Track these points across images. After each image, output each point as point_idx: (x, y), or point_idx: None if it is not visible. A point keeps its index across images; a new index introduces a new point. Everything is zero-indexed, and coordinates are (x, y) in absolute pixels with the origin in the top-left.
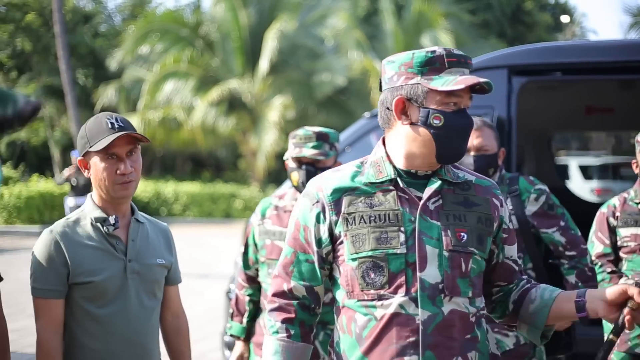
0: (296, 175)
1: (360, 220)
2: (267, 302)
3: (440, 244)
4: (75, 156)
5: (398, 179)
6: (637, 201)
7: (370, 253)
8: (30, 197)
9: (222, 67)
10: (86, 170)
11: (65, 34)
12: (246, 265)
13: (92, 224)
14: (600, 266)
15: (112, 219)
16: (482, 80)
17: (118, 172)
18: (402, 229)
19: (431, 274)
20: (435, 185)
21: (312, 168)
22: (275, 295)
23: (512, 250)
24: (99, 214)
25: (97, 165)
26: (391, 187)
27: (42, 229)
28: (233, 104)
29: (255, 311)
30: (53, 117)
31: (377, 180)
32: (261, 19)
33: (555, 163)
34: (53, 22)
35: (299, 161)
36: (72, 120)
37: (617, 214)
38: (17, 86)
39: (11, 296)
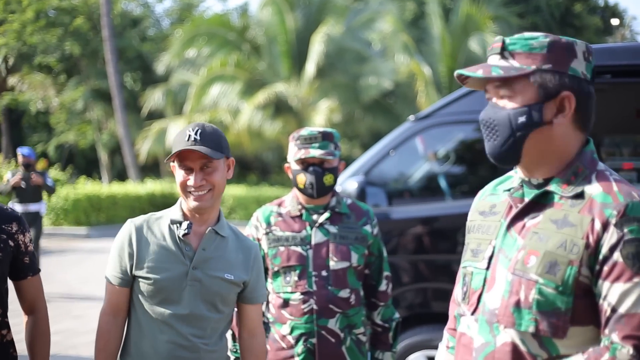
0: (303, 178)
1: (473, 229)
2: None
3: (508, 264)
4: (22, 153)
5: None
6: None
7: (465, 264)
8: (77, 200)
9: (269, 71)
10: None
11: (113, 38)
12: None
13: (169, 225)
14: None
15: (184, 224)
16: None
17: (188, 183)
18: (493, 242)
19: (494, 297)
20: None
21: (319, 169)
22: None
23: (612, 290)
24: (177, 217)
25: (176, 173)
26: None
27: (89, 231)
28: (279, 108)
29: (265, 329)
30: (101, 120)
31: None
32: (308, 23)
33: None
34: (101, 26)
35: (305, 163)
36: (119, 123)
37: None
38: (66, 89)
39: (57, 298)
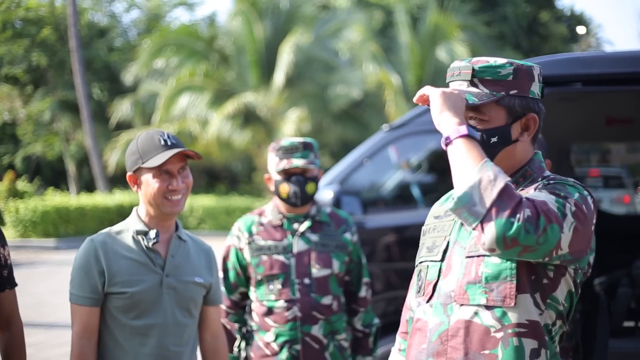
0: (286, 187)
1: (428, 231)
2: None
3: (464, 252)
4: None
5: None
6: None
7: (420, 260)
8: (45, 211)
9: (238, 81)
10: (135, 186)
11: (80, 49)
12: (230, 290)
13: (133, 236)
14: None
15: (152, 233)
16: None
17: (170, 187)
18: (447, 237)
19: (450, 281)
20: None
21: (302, 178)
22: None
23: None
24: (141, 227)
25: (149, 181)
26: None
27: (58, 243)
28: (248, 118)
29: (247, 336)
30: (68, 131)
31: None
32: (276, 32)
33: (575, 174)
34: (68, 36)
35: (288, 172)
36: (87, 134)
37: None
38: (33, 100)
39: (27, 310)
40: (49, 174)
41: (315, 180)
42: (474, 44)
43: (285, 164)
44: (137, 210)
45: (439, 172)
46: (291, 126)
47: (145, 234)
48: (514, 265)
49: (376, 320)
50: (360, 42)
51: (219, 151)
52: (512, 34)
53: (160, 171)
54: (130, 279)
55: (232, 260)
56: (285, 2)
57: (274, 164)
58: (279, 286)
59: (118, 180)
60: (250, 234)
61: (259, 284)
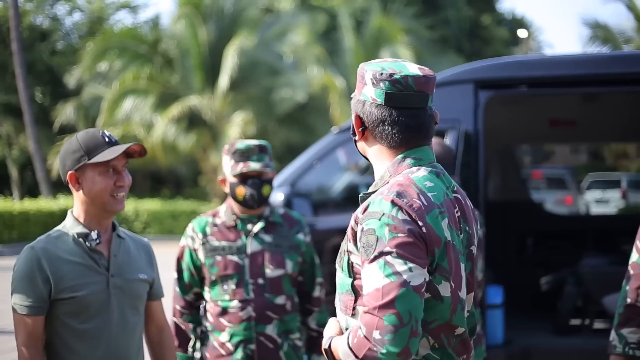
0: (243, 190)
1: None
2: None
3: None
4: None
5: None
6: None
7: None
8: None
9: (182, 84)
10: (76, 185)
11: (22, 52)
12: (184, 290)
13: (74, 239)
14: (627, 278)
15: (94, 234)
16: None
17: (117, 184)
18: None
19: None
20: None
21: (258, 181)
22: None
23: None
24: (80, 229)
25: (94, 178)
26: None
27: (2, 248)
28: (193, 121)
29: (202, 337)
30: (10, 135)
31: None
32: (220, 36)
33: (522, 176)
34: (10, 39)
35: (244, 175)
36: (30, 138)
37: None
38: None
39: None
40: None
41: (271, 182)
42: (418, 48)
43: (242, 167)
44: (72, 212)
45: None
46: (236, 129)
47: (87, 235)
48: (350, 279)
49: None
50: (304, 46)
51: (164, 155)
52: (454, 37)
53: (107, 168)
54: (77, 283)
55: (186, 261)
56: (229, 5)
57: (229, 166)
58: (233, 286)
59: (62, 184)
60: (205, 234)
61: (213, 284)
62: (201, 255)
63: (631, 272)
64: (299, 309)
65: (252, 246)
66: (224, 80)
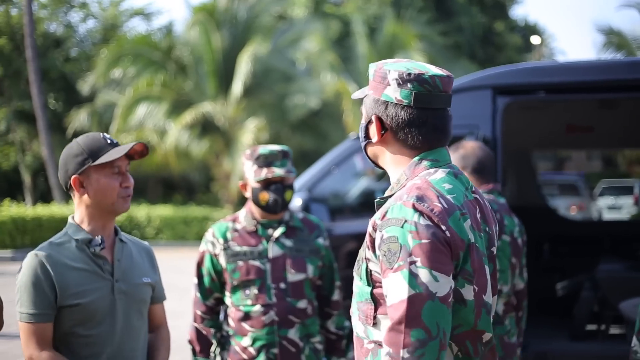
0: (266, 195)
1: None
2: None
3: None
4: None
5: None
6: None
7: None
8: (2, 222)
9: (195, 91)
10: (81, 189)
11: (36, 59)
12: (204, 296)
13: (77, 245)
14: None
15: (98, 239)
16: None
17: (123, 185)
18: None
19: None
20: None
21: (281, 186)
22: None
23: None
24: (83, 235)
25: (99, 180)
26: None
27: (15, 254)
28: (206, 127)
29: (222, 341)
30: (24, 141)
31: None
32: (234, 43)
33: (538, 181)
34: (24, 46)
35: (268, 182)
36: (43, 144)
37: None
38: None
39: None
40: (5, 185)
41: (292, 187)
42: (431, 54)
43: (266, 172)
44: (73, 218)
45: None
46: (249, 136)
47: (90, 241)
48: (369, 288)
49: (347, 323)
50: (318, 52)
51: (177, 161)
52: (468, 44)
53: (112, 169)
54: (82, 289)
55: (206, 266)
56: (243, 12)
57: (252, 172)
58: (256, 291)
59: None
60: (226, 240)
61: (234, 289)
62: (222, 261)
63: None
64: (318, 313)
65: (273, 251)
66: (237, 87)
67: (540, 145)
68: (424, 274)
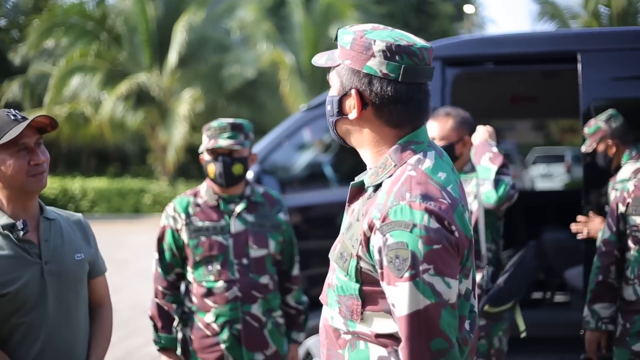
0: (213, 167)
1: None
2: None
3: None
4: None
5: None
6: None
7: None
8: None
9: (130, 61)
10: None
11: None
12: (166, 271)
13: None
14: (599, 255)
15: (19, 224)
16: None
17: (32, 162)
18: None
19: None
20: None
21: (228, 159)
22: None
23: (387, 291)
24: (5, 220)
25: (5, 161)
26: None
27: None
28: (141, 98)
29: (184, 317)
30: None
31: None
32: (169, 12)
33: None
34: None
35: (215, 152)
36: None
37: (629, 200)
38: None
39: None
40: None
41: (243, 161)
42: (367, 23)
43: (212, 143)
44: None
45: (351, 151)
46: (185, 106)
47: (13, 226)
48: (358, 284)
49: (305, 298)
50: (253, 21)
51: (112, 132)
52: (401, 13)
53: (17, 147)
54: (9, 277)
55: (168, 241)
56: None
57: (204, 143)
58: (218, 267)
59: None
60: (188, 215)
61: (197, 265)
62: (184, 236)
63: (603, 248)
64: (278, 287)
65: (235, 226)
66: (172, 57)
67: (488, 115)
68: (438, 283)
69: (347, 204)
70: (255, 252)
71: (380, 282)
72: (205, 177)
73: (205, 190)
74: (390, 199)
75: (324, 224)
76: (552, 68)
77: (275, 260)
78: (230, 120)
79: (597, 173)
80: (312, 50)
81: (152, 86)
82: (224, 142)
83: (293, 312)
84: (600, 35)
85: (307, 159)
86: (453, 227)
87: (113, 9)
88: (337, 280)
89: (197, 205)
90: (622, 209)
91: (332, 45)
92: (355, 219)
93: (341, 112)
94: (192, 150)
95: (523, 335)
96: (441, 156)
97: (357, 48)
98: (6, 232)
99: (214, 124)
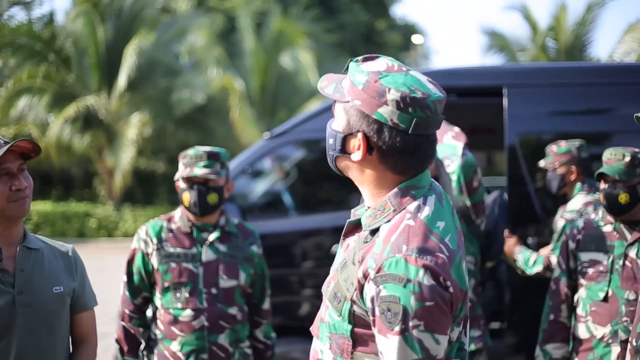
0: (187, 196)
1: None
2: None
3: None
4: None
5: None
6: (602, 223)
7: None
8: None
9: (79, 83)
10: None
11: None
12: (133, 294)
13: None
14: (550, 294)
15: None
16: None
17: (13, 188)
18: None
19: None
20: None
21: (203, 188)
22: None
23: (378, 340)
24: None
25: None
26: None
27: None
28: (89, 121)
29: (151, 343)
30: None
31: None
32: (119, 35)
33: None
34: None
35: (190, 181)
36: None
37: (579, 237)
38: None
39: None
40: None
41: (219, 190)
42: (318, 51)
43: (187, 171)
44: None
45: (311, 179)
46: (133, 130)
47: None
48: (350, 326)
49: (274, 334)
50: (204, 47)
51: (58, 155)
52: (350, 42)
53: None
54: None
55: (137, 264)
56: (128, 4)
57: (180, 171)
58: (187, 294)
59: None
60: (160, 240)
61: (165, 290)
62: (154, 261)
63: (553, 287)
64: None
65: (207, 255)
66: (121, 80)
67: None
68: (426, 339)
69: (342, 238)
70: (225, 282)
71: (372, 328)
72: (180, 204)
73: (180, 217)
74: (386, 249)
75: (281, 253)
76: (479, 102)
77: (245, 293)
78: (207, 148)
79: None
80: (262, 76)
81: (100, 109)
82: (199, 170)
83: (261, 346)
84: (525, 70)
85: (266, 187)
86: (448, 283)
87: (62, 30)
88: (330, 319)
89: (170, 230)
90: (572, 246)
91: (281, 72)
92: (350, 259)
93: (344, 150)
94: (138, 175)
95: None
96: (441, 200)
97: (370, 92)
98: None
99: (190, 152)
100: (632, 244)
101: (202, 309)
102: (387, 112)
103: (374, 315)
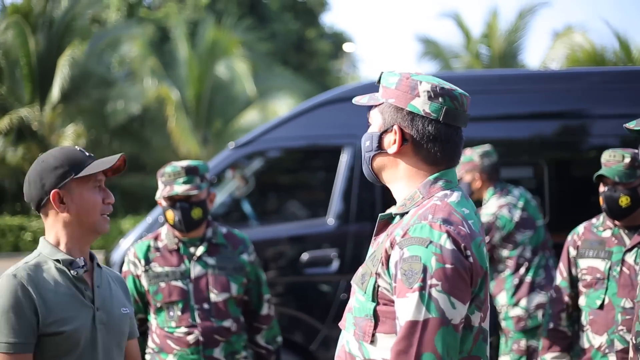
0: (171, 214)
1: None
2: None
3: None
4: None
5: None
6: (602, 229)
7: None
8: None
9: (10, 96)
10: (61, 205)
11: None
12: None
13: (56, 267)
14: (550, 302)
15: (80, 261)
16: None
17: (106, 201)
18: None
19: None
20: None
21: (186, 204)
22: None
23: (397, 304)
24: (63, 255)
25: (82, 195)
26: None
27: None
28: (22, 133)
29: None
30: None
31: None
32: (51, 46)
33: None
34: None
35: (172, 199)
36: None
37: (579, 243)
38: None
39: None
40: None
41: (202, 204)
42: (253, 60)
43: (167, 190)
44: (46, 239)
45: (270, 188)
46: (67, 142)
47: (71, 262)
48: (373, 304)
49: (280, 338)
50: (138, 57)
51: None
52: (281, 50)
53: (94, 184)
54: (65, 316)
55: (129, 287)
56: (59, 15)
57: (160, 190)
58: (179, 313)
59: None
60: (147, 261)
61: (159, 310)
62: (144, 282)
63: (554, 295)
64: (247, 327)
65: (195, 270)
66: (54, 92)
67: None
68: (442, 300)
69: (373, 238)
70: (217, 296)
71: (393, 296)
72: (164, 222)
73: (166, 234)
74: (413, 219)
75: None
76: None
77: (241, 302)
78: (184, 163)
79: None
80: (197, 86)
81: (33, 121)
82: (179, 188)
83: (263, 352)
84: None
85: (229, 195)
86: (469, 252)
87: None
88: (356, 302)
89: (157, 249)
90: (573, 253)
91: (217, 81)
92: (380, 248)
93: (380, 147)
94: None
95: None
96: (467, 198)
97: (403, 88)
98: (63, 267)
99: (168, 169)
100: (630, 249)
101: (196, 325)
102: (419, 103)
103: (395, 280)
